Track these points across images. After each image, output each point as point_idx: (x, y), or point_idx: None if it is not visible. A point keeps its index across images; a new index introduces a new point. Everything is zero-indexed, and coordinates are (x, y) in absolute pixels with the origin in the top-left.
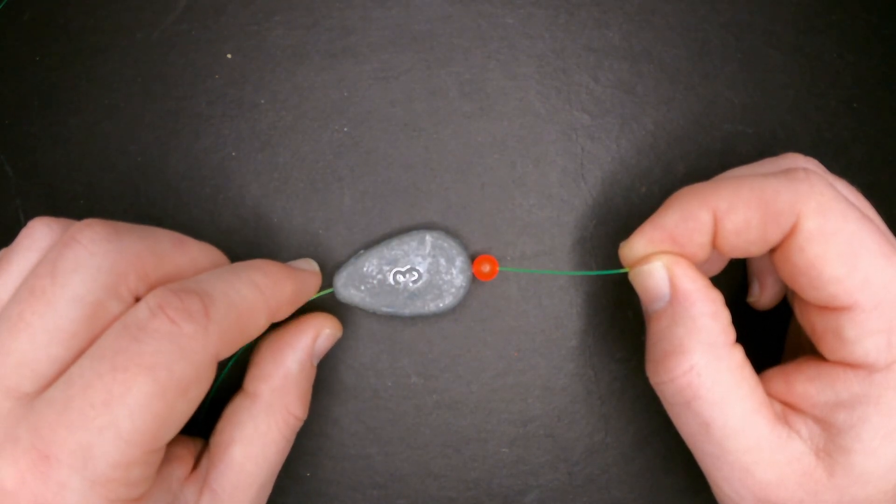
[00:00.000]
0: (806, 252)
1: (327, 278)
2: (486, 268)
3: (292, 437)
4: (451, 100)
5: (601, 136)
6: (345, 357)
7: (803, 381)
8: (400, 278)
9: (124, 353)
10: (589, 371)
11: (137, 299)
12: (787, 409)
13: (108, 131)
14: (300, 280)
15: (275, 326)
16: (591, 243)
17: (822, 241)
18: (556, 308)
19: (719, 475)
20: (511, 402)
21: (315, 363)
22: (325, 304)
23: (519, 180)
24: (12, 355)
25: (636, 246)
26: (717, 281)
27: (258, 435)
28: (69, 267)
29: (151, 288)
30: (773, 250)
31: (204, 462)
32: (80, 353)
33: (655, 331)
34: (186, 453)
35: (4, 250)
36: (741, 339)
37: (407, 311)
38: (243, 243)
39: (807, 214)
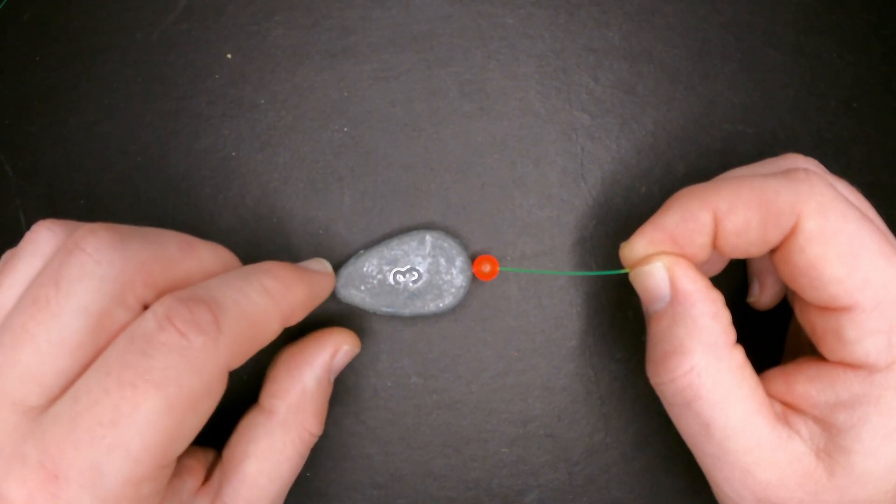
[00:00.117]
0: (806, 252)
1: None
2: (487, 268)
3: (307, 453)
4: (451, 100)
5: (601, 136)
6: None
7: (803, 382)
8: (400, 278)
9: (132, 368)
10: (589, 371)
11: (145, 307)
12: (788, 409)
13: (108, 131)
14: (313, 282)
15: (288, 332)
16: (591, 243)
17: (823, 242)
18: (556, 308)
19: (720, 475)
20: (511, 402)
21: (332, 379)
22: (325, 304)
23: (519, 180)
24: (17, 368)
25: (637, 246)
26: (718, 281)
27: (273, 451)
28: (73, 276)
29: (160, 294)
30: (773, 251)
31: (216, 475)
32: (87, 365)
33: (656, 331)
34: (198, 465)
35: (7, 254)
36: (741, 339)
37: (407, 311)
38: (243, 243)
39: (807, 215)
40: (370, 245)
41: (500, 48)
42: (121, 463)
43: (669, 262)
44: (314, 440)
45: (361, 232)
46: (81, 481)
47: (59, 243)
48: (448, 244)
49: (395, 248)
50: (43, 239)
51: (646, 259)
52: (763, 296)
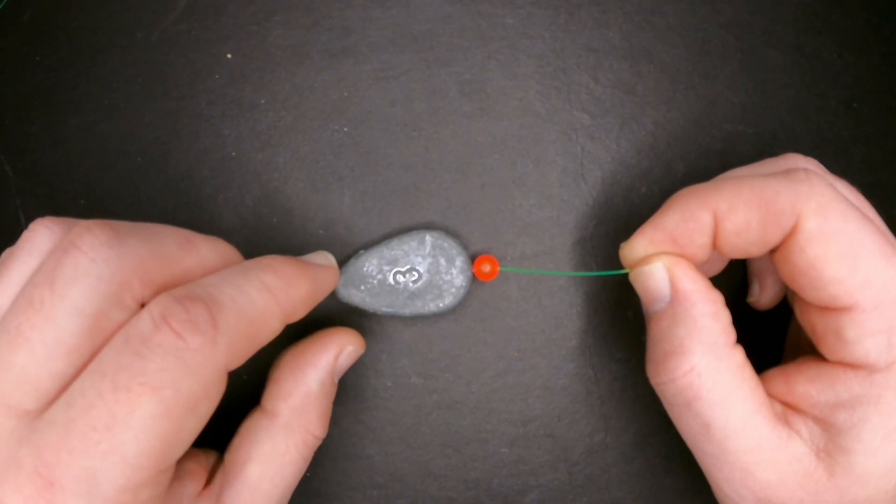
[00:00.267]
0: (806, 252)
1: None
2: (487, 268)
3: (310, 456)
4: (451, 100)
5: (601, 136)
6: None
7: (804, 382)
8: (400, 278)
9: (126, 370)
10: (589, 371)
11: (142, 305)
12: (788, 409)
13: (108, 131)
14: (315, 277)
15: (290, 332)
16: (591, 243)
17: (823, 242)
18: (556, 308)
19: (720, 475)
20: (511, 402)
21: (336, 381)
22: (325, 304)
23: (519, 180)
24: (12, 371)
25: (637, 246)
26: (718, 281)
27: (276, 454)
28: (68, 276)
29: (158, 292)
30: (773, 251)
31: (218, 478)
32: (82, 367)
33: (656, 331)
34: (199, 468)
35: (5, 253)
36: (741, 339)
37: (407, 311)
38: (243, 243)
39: (807, 215)
40: (370, 245)
41: (500, 48)
42: (116, 469)
43: (669, 263)
44: (318, 443)
45: (361, 232)
46: (76, 489)
47: (56, 241)
48: (448, 244)
49: (395, 248)
50: (40, 237)
51: (646, 259)
52: (763, 296)
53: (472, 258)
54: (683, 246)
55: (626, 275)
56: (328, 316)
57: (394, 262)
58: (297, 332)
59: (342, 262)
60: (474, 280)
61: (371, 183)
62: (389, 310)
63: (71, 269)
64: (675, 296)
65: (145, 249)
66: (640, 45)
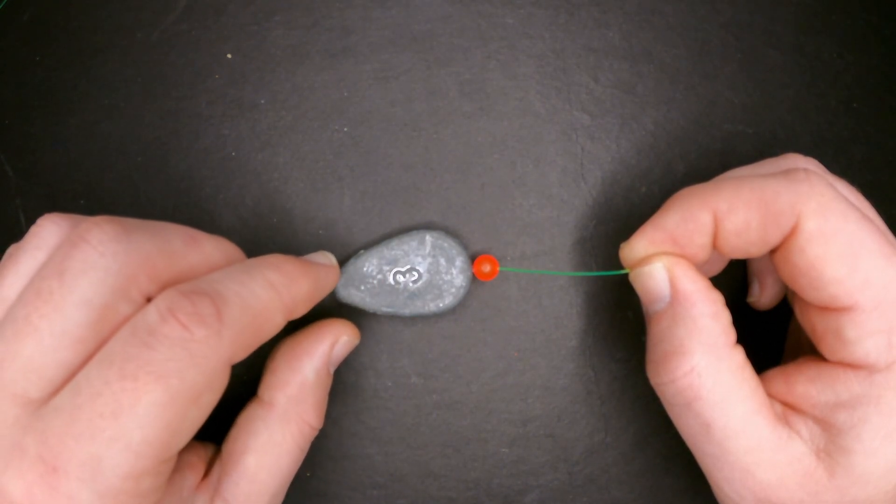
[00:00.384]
0: (806, 253)
1: None
2: (487, 268)
3: (307, 446)
4: (451, 100)
5: (601, 136)
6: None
7: (804, 382)
8: (400, 278)
9: (134, 360)
10: (589, 371)
11: (148, 300)
12: (788, 409)
13: (108, 131)
14: (317, 275)
15: (290, 327)
16: (591, 243)
17: (823, 242)
18: (556, 308)
19: (720, 476)
20: (511, 402)
21: (332, 371)
22: (324, 303)
23: (519, 180)
24: (18, 360)
25: (637, 247)
26: (718, 281)
27: (272, 444)
28: (77, 268)
29: (163, 288)
30: (773, 251)
31: (216, 469)
32: (88, 358)
33: (656, 332)
34: (198, 460)
35: (12, 248)
36: (741, 339)
37: (407, 311)
38: (243, 243)
39: (807, 215)
40: (370, 245)
41: (500, 48)
42: (121, 456)
43: (669, 263)
44: (314, 433)
45: (361, 232)
46: (81, 474)
47: (63, 236)
48: (448, 244)
49: (395, 248)
50: (48, 232)
51: (646, 259)
52: (763, 296)
53: (472, 258)
54: (683, 246)
55: (626, 275)
56: (328, 316)
57: (394, 262)
58: (295, 328)
59: (342, 262)
60: (474, 280)
61: (371, 183)
62: (389, 310)
63: (80, 261)
64: (675, 296)
65: (152, 245)
66: (640, 45)
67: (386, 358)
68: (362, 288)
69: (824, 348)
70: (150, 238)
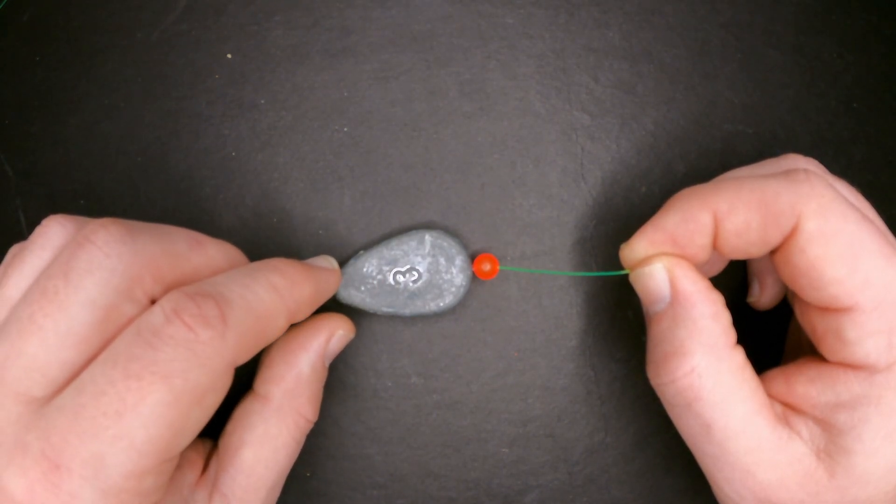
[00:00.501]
0: (806, 253)
1: None
2: (487, 266)
3: (302, 439)
4: (451, 100)
5: (601, 136)
6: (345, 357)
7: (804, 382)
8: (400, 278)
9: (138, 360)
10: (589, 371)
11: (153, 301)
12: (788, 410)
13: (108, 131)
14: (319, 279)
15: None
16: (591, 243)
17: (823, 243)
18: (556, 308)
19: (720, 476)
20: (511, 402)
21: (327, 365)
22: (324, 304)
23: (519, 180)
24: (22, 359)
25: (637, 247)
26: (718, 281)
27: (269, 438)
28: (83, 268)
29: (167, 289)
30: (773, 251)
31: (213, 465)
32: (92, 358)
33: (656, 332)
34: (196, 456)
35: (16, 247)
36: (741, 339)
37: (407, 311)
38: (243, 243)
39: (807, 216)
40: (370, 245)
41: (500, 48)
42: (124, 455)
43: (669, 263)
44: (310, 426)
45: (361, 232)
46: (83, 472)
47: (68, 237)
48: (448, 243)
49: (394, 248)
50: (53, 232)
51: (646, 260)
52: (763, 296)
53: (472, 258)
54: (683, 247)
55: (626, 275)
56: None
57: (393, 263)
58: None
59: (342, 263)
60: (474, 279)
61: (371, 183)
62: (390, 310)
63: (85, 262)
64: (675, 297)
65: (157, 247)
66: (640, 45)
67: (386, 358)
68: (362, 288)
69: (824, 349)
70: (156, 240)
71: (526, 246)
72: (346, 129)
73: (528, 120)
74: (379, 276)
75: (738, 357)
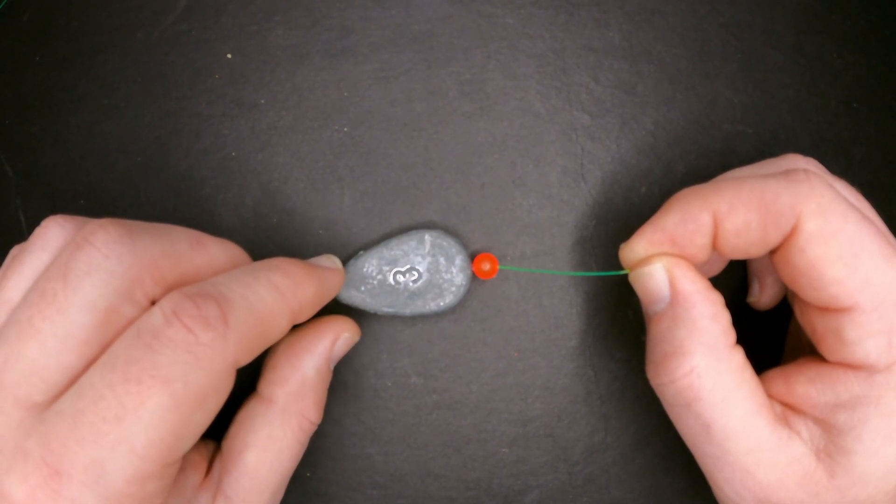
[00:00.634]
0: (806, 253)
1: None
2: (487, 266)
3: (306, 442)
4: (451, 100)
5: (601, 136)
6: (345, 357)
7: (804, 383)
8: (400, 278)
9: (137, 363)
10: (589, 371)
11: (153, 302)
12: (788, 410)
13: (108, 131)
14: (322, 279)
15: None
16: (591, 243)
17: (823, 243)
18: (556, 308)
19: (720, 476)
20: (511, 402)
21: (332, 367)
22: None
23: (519, 180)
24: (21, 363)
25: (636, 247)
26: (717, 281)
27: (273, 440)
28: (82, 270)
29: (168, 290)
30: (773, 251)
31: (217, 467)
32: (92, 361)
33: (656, 332)
34: (200, 458)
35: (16, 249)
36: (741, 339)
37: (408, 311)
38: (243, 243)
39: (807, 216)
40: (370, 245)
41: (500, 48)
42: (125, 460)
43: (669, 264)
44: (313, 429)
45: (361, 232)
46: (84, 478)
47: (67, 238)
48: (447, 243)
49: (394, 248)
50: (52, 233)
51: (645, 260)
52: (763, 296)
53: (472, 257)
54: (683, 247)
55: (626, 275)
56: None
57: (393, 262)
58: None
59: (342, 263)
60: (474, 279)
61: (371, 183)
62: (390, 310)
63: (84, 263)
64: (674, 297)
65: (157, 248)
66: (640, 45)
67: (386, 358)
68: (362, 289)
69: (824, 349)
70: (155, 240)
71: (526, 246)
72: (346, 129)
73: (528, 120)
74: (379, 276)
75: (738, 357)
